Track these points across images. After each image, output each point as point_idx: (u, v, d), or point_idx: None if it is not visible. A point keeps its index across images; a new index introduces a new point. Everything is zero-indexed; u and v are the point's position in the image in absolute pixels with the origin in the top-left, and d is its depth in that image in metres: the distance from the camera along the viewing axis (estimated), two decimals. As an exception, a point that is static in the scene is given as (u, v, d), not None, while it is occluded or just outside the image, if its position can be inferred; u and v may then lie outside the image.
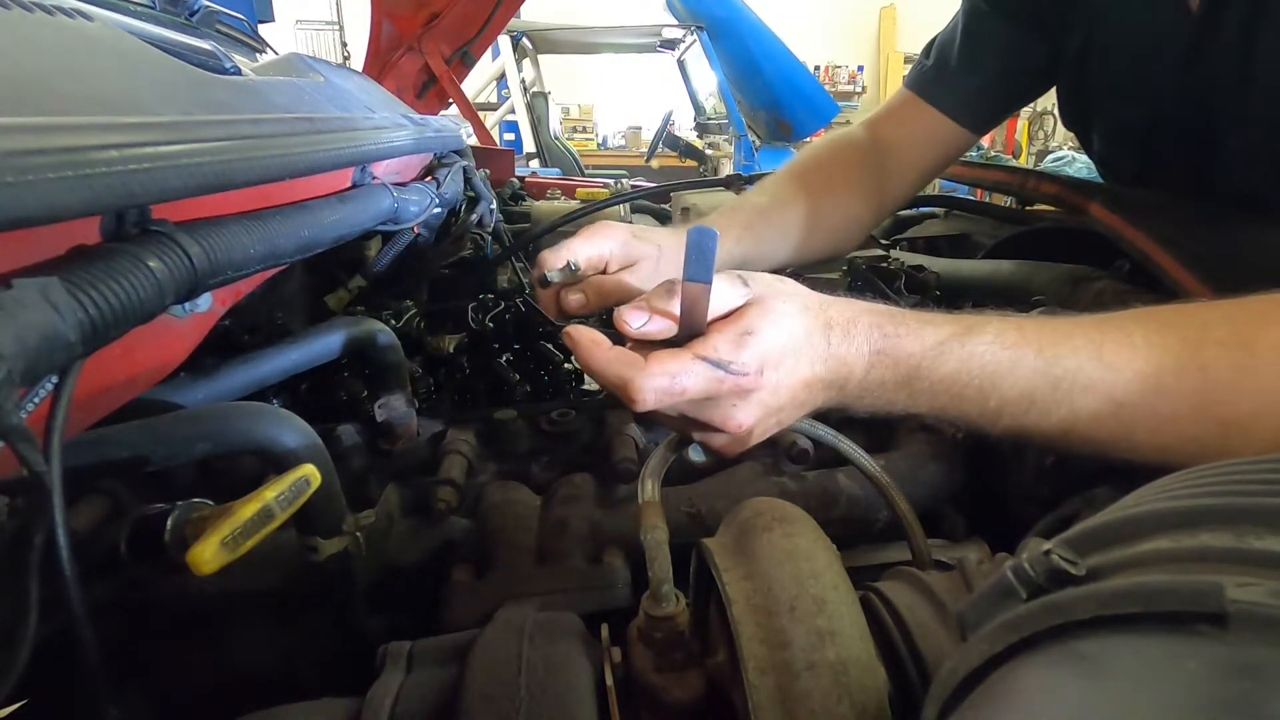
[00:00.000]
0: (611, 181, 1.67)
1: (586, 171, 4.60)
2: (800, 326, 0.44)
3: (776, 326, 0.43)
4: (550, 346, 0.81)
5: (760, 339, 0.42)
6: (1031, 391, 0.44)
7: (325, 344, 0.63)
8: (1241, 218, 0.67)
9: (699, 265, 0.40)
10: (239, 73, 0.60)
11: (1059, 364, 0.43)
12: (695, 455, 0.76)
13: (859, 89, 8.98)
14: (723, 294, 0.44)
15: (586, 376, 0.82)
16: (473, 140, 1.80)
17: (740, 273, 0.46)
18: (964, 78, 0.87)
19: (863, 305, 0.47)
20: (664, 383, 0.41)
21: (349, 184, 0.70)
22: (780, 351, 0.43)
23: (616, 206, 1.38)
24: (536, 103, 4.77)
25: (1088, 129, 0.88)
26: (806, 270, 1.01)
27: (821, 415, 0.57)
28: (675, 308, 0.43)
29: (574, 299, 0.61)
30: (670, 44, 4.82)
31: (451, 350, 0.82)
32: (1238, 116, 0.66)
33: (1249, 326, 0.41)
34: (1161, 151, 0.76)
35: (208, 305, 0.51)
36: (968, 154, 1.22)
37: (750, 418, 0.44)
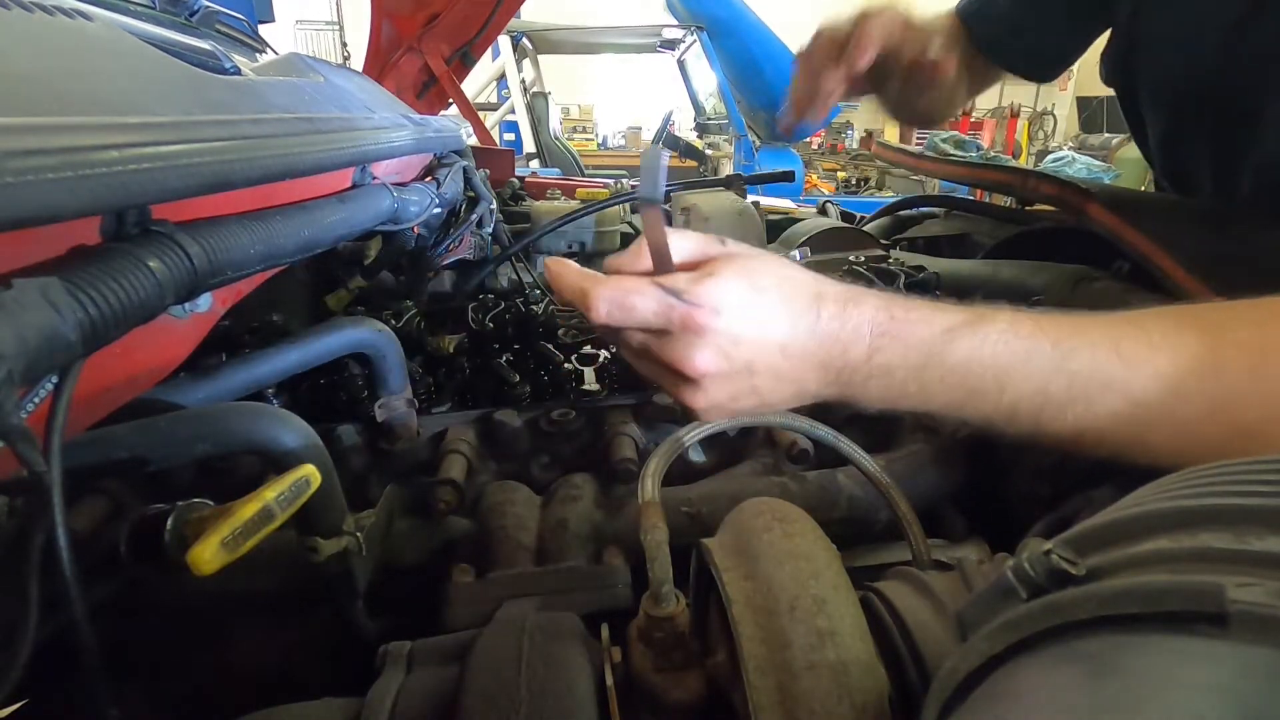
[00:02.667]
0: (611, 181, 1.67)
1: (586, 171, 4.60)
2: (773, 285, 0.43)
3: (742, 276, 0.43)
4: (550, 347, 0.81)
5: (719, 280, 0.42)
6: (1046, 385, 0.42)
7: (325, 344, 0.63)
8: (1241, 219, 0.67)
9: (648, 184, 0.40)
10: (239, 73, 0.60)
11: (1075, 357, 0.42)
12: (695, 455, 0.76)
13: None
14: (699, 247, 0.45)
15: (586, 377, 0.82)
16: (473, 140, 1.80)
17: (726, 239, 0.46)
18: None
19: (869, 290, 0.46)
20: (617, 296, 0.42)
21: (349, 184, 0.70)
22: (742, 301, 0.42)
23: (616, 206, 1.38)
24: (536, 103, 4.77)
25: (1131, 83, 0.86)
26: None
27: (826, 412, 0.57)
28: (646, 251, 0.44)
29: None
30: (670, 44, 4.82)
31: (451, 350, 0.81)
32: None
33: (1263, 329, 0.40)
34: (1202, 116, 0.75)
35: (208, 305, 0.51)
36: (967, 154, 1.22)
37: (708, 363, 0.43)
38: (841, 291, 0.45)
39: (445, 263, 1.06)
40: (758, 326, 0.43)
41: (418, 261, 0.96)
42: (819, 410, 0.73)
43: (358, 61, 2.32)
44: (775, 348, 0.44)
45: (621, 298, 0.42)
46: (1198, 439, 0.41)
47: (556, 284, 0.46)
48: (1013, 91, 9.54)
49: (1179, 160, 0.83)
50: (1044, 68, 0.96)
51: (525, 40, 4.62)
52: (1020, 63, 0.96)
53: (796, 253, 0.90)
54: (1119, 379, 0.41)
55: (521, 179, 1.61)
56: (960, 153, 1.13)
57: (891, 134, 8.19)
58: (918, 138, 5.84)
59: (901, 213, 1.37)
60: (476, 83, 4.78)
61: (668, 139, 5.25)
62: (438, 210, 0.91)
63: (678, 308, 0.42)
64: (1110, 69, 0.88)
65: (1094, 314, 0.44)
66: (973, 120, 8.69)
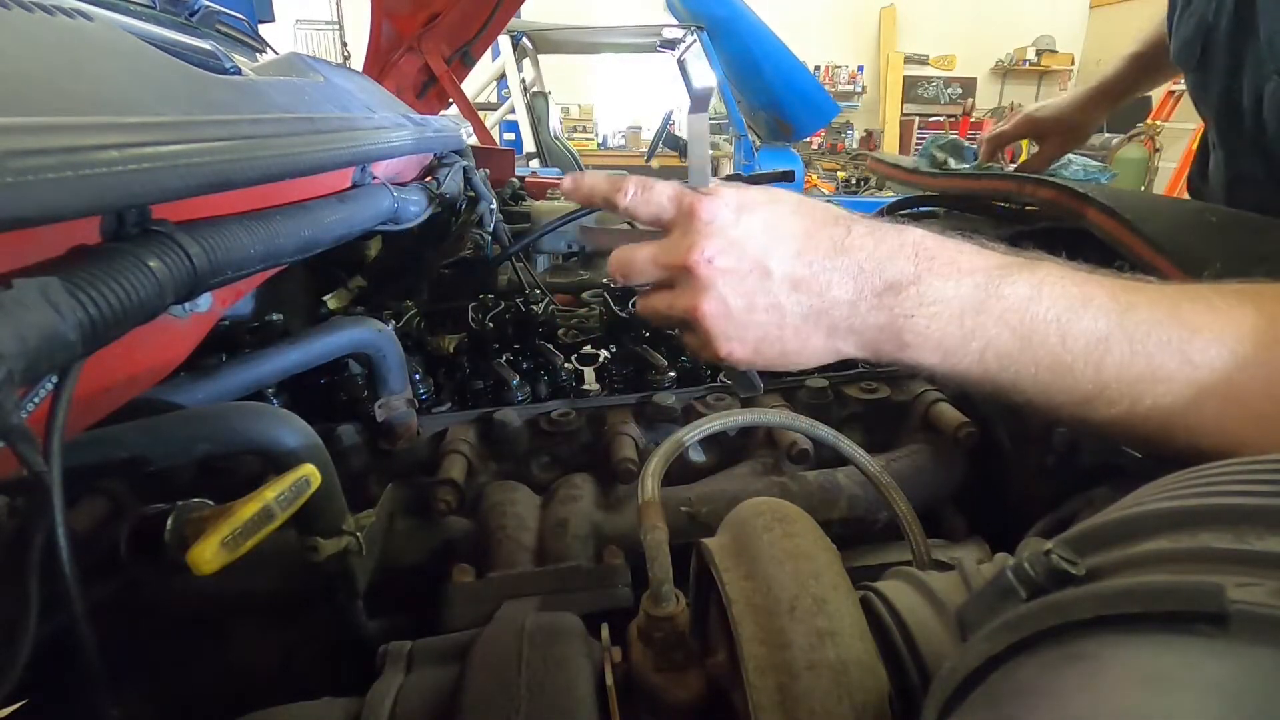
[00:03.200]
0: (611, 181, 1.67)
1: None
2: (794, 200, 0.43)
3: (763, 191, 0.43)
4: (550, 347, 0.81)
5: (739, 186, 0.43)
6: (1107, 338, 0.38)
7: (325, 344, 0.63)
8: (1240, 221, 0.67)
9: (699, 99, 0.44)
10: (239, 73, 0.60)
11: (1134, 313, 0.39)
12: (695, 455, 0.76)
13: (859, 89, 8.97)
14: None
15: (586, 377, 0.82)
16: (473, 140, 1.80)
17: None
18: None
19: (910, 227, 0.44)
20: (644, 179, 0.46)
21: (349, 184, 0.70)
22: (757, 201, 0.41)
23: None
24: (536, 103, 4.77)
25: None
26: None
27: (825, 413, 0.57)
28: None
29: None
30: (670, 44, 4.81)
31: (451, 350, 0.82)
32: None
33: None
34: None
35: (208, 305, 0.51)
36: (961, 164, 1.23)
37: (714, 250, 0.41)
38: (875, 219, 0.43)
39: (445, 263, 1.06)
40: (772, 228, 0.41)
41: (418, 262, 0.96)
42: (820, 410, 0.73)
43: (358, 61, 2.32)
44: (791, 251, 0.41)
45: (647, 180, 0.45)
46: (1251, 413, 0.38)
47: (578, 188, 0.47)
48: (1013, 92, 9.55)
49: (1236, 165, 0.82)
50: None
51: (525, 40, 4.62)
52: None
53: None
54: (1177, 339, 0.38)
55: (521, 179, 1.61)
56: (955, 160, 1.13)
57: (891, 141, 8.17)
58: (916, 140, 5.83)
59: (901, 213, 1.37)
60: (476, 83, 4.77)
61: (668, 139, 5.24)
62: (438, 210, 0.91)
63: (687, 194, 0.42)
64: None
65: (1145, 278, 0.42)
66: (973, 120, 8.69)
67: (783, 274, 0.41)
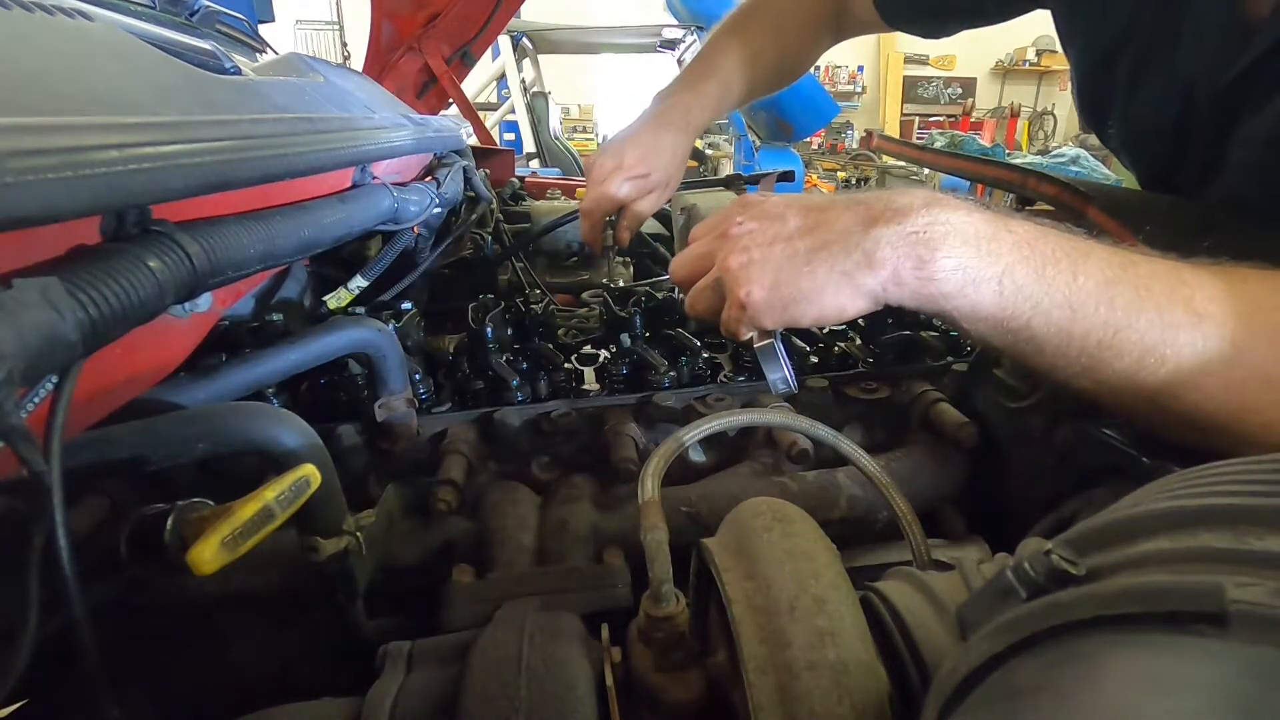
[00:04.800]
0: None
1: (586, 171, 4.59)
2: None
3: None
4: (550, 347, 0.81)
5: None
6: (1115, 280, 0.39)
7: (325, 344, 0.63)
8: (1242, 222, 0.67)
9: None
10: (239, 73, 0.60)
11: (1136, 267, 0.40)
12: (695, 455, 0.76)
13: (859, 89, 8.98)
14: None
15: (586, 377, 0.82)
16: (473, 140, 1.80)
17: None
18: None
19: None
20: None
21: (349, 184, 0.70)
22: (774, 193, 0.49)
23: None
24: (536, 103, 4.77)
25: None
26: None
27: (825, 415, 0.57)
28: None
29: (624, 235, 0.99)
30: (670, 44, 4.81)
31: (451, 350, 0.81)
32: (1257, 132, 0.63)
33: None
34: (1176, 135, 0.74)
35: (208, 305, 0.51)
36: (971, 148, 1.23)
37: (745, 219, 0.46)
38: None
39: (445, 263, 1.06)
40: (794, 197, 0.47)
41: (418, 261, 0.96)
42: (820, 410, 0.73)
43: (358, 61, 2.32)
44: (808, 205, 0.46)
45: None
46: (1259, 376, 0.38)
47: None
48: (1013, 92, 9.55)
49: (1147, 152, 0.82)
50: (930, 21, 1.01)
51: (525, 40, 4.62)
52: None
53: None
54: (1182, 292, 0.39)
55: (521, 179, 1.61)
56: (958, 151, 1.13)
57: (892, 132, 8.17)
58: (916, 140, 5.83)
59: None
60: (476, 83, 4.78)
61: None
62: (438, 210, 0.91)
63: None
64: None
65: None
66: (973, 120, 8.70)
67: (798, 219, 0.45)
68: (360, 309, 0.83)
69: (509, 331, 0.80)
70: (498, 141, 3.73)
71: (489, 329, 0.76)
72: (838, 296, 0.43)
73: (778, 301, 0.44)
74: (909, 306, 0.43)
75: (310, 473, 0.44)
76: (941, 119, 8.88)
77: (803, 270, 0.43)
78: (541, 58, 4.97)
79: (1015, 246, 0.40)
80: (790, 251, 0.44)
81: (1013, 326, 0.41)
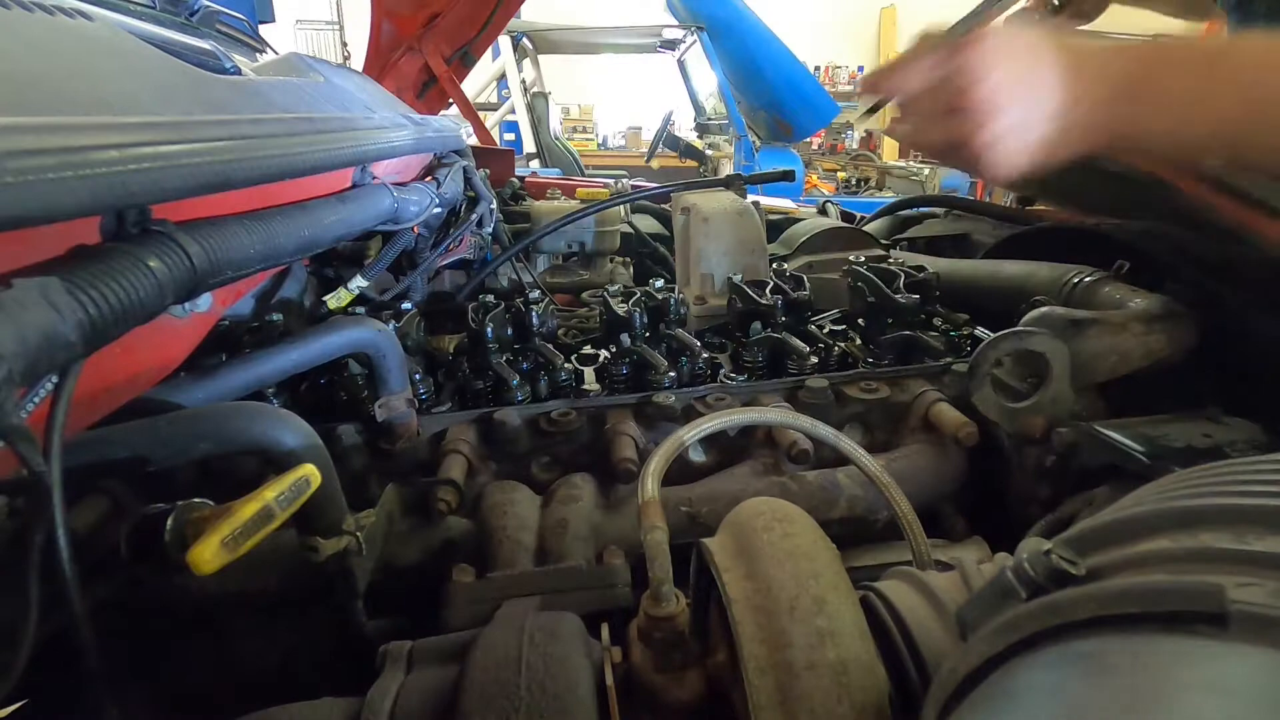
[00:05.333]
0: (611, 181, 1.67)
1: (586, 171, 4.60)
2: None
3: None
4: (550, 347, 0.81)
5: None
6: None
7: (325, 344, 0.63)
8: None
9: None
10: (239, 73, 0.60)
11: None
12: (695, 455, 0.76)
13: (859, 89, 8.96)
14: None
15: (586, 377, 0.82)
16: (473, 140, 1.80)
17: None
18: None
19: None
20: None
21: (349, 184, 0.70)
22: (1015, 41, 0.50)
23: (617, 207, 1.38)
24: (536, 103, 4.77)
25: None
26: (810, 271, 1.01)
27: (825, 416, 0.57)
28: None
29: None
30: (670, 44, 4.81)
31: (451, 350, 0.81)
32: None
33: None
34: None
35: (208, 305, 0.51)
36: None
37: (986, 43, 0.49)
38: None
39: (445, 263, 1.06)
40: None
41: (418, 262, 0.96)
42: (820, 410, 0.73)
43: (358, 61, 2.32)
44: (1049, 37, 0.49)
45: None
46: None
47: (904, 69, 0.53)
48: (1013, 91, 9.55)
49: None
50: None
51: (525, 40, 4.62)
52: None
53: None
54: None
55: (521, 179, 1.61)
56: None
57: (890, 141, 8.15)
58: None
59: (901, 213, 1.37)
60: (476, 83, 4.78)
61: (668, 139, 5.24)
62: (438, 210, 0.91)
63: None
64: None
65: None
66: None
67: (1038, 36, 0.50)
68: (360, 309, 0.83)
69: (509, 331, 0.80)
70: (498, 141, 3.73)
71: (489, 329, 0.76)
72: (1060, 102, 0.50)
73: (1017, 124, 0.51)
74: None
75: (310, 473, 0.44)
76: (941, 119, 8.86)
77: (1059, 63, 0.50)
78: (541, 58, 4.97)
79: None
80: (1050, 61, 0.50)
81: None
